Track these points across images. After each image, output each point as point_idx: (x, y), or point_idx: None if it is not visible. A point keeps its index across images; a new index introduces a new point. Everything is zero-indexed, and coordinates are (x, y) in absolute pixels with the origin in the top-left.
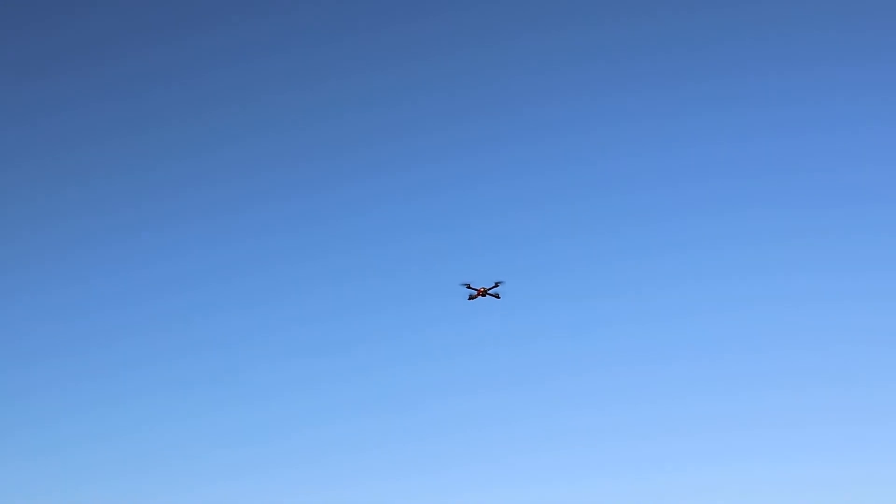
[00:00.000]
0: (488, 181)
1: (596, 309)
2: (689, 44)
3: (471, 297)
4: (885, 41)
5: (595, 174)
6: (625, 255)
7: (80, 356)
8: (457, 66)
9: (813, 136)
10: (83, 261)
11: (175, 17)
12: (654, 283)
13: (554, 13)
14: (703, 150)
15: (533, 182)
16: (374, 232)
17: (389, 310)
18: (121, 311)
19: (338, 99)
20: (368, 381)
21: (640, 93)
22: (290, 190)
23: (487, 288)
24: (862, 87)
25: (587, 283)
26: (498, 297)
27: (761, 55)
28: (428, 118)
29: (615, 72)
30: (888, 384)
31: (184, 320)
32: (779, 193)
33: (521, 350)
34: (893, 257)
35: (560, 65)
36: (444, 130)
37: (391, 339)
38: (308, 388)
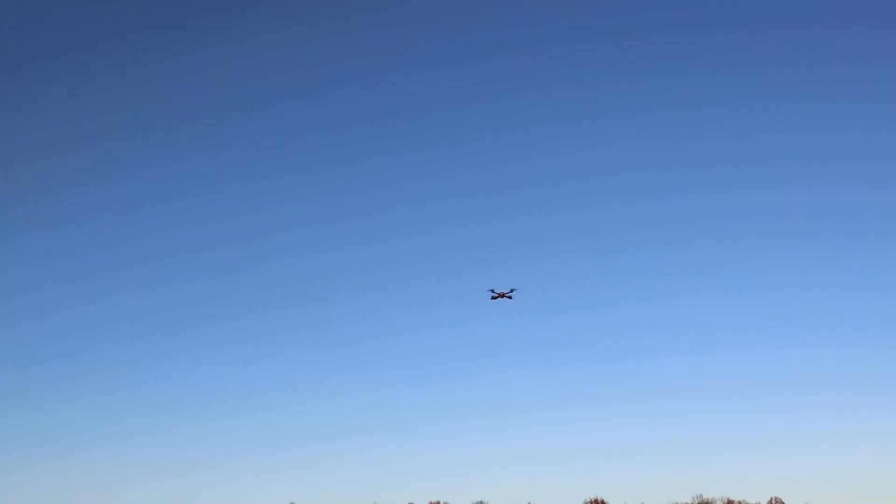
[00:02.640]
0: (494, 187)
1: (603, 311)
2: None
3: (493, 298)
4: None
5: (610, 180)
6: (625, 255)
7: (79, 356)
8: (476, 75)
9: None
10: (83, 261)
11: (184, 18)
12: (665, 283)
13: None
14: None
15: (540, 187)
16: (389, 236)
17: (404, 308)
18: (124, 311)
19: (352, 105)
20: (375, 382)
21: (656, 104)
22: (300, 191)
23: (505, 292)
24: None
25: (596, 287)
26: (511, 299)
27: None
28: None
29: (627, 80)
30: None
31: (197, 320)
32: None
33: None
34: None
35: (574, 74)
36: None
37: (400, 341)
38: (316, 392)
